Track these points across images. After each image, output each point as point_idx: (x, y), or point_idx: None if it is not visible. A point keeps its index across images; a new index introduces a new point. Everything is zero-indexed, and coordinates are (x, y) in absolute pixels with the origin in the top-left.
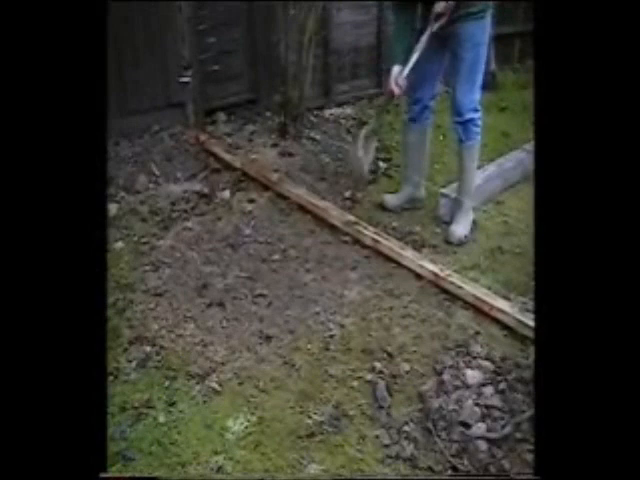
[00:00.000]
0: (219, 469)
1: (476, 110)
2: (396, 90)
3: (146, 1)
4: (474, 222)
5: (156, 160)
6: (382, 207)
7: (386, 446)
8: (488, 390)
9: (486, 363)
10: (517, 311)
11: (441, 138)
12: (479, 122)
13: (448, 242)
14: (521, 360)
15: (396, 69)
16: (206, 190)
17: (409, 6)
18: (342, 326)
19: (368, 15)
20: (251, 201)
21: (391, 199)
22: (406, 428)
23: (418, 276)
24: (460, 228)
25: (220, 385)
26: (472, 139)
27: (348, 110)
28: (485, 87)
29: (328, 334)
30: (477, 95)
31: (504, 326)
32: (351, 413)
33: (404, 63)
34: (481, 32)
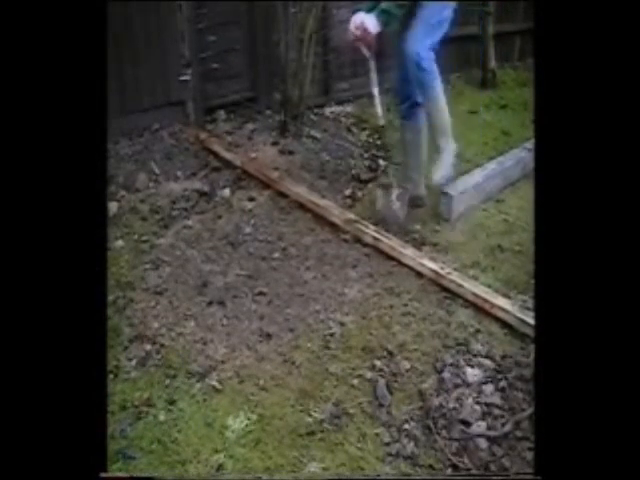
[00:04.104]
0: (219, 467)
1: (428, 60)
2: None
3: (146, 1)
4: (472, 220)
5: (156, 158)
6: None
7: (386, 444)
8: (488, 388)
9: (486, 361)
10: (517, 309)
11: None
12: (434, 73)
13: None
14: (521, 358)
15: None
16: (206, 188)
17: None
18: (342, 324)
19: None
20: (251, 199)
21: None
22: (406, 426)
23: (418, 274)
24: (439, 171)
25: (220, 383)
26: (428, 86)
27: (348, 108)
28: (485, 85)
29: (328, 332)
30: (429, 51)
31: (504, 324)
32: (351, 411)
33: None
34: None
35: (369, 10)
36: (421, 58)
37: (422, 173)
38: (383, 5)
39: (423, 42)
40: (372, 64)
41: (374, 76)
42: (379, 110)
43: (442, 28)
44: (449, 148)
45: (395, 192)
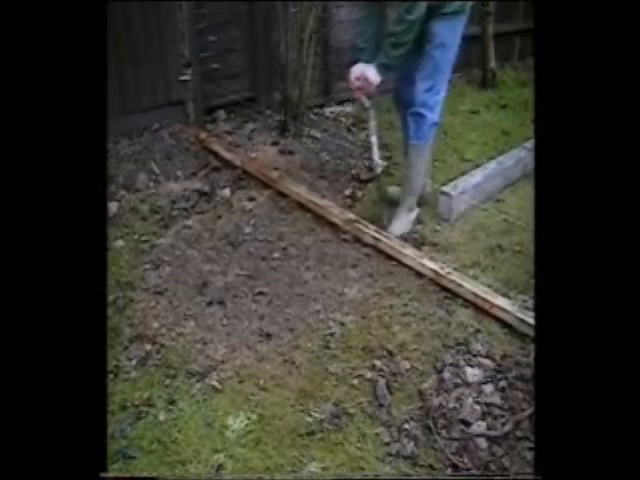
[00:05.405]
0: (219, 467)
1: (431, 110)
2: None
3: (146, 1)
4: (472, 220)
5: (156, 158)
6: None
7: (386, 444)
8: (488, 388)
9: (486, 361)
10: (517, 309)
11: (442, 136)
12: (433, 125)
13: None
14: (521, 358)
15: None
16: (206, 188)
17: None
18: (342, 324)
19: None
20: (251, 199)
21: (395, 192)
22: (406, 426)
23: (418, 274)
24: (397, 226)
25: (220, 383)
26: (420, 139)
27: (348, 108)
28: (485, 85)
29: (328, 332)
30: (436, 97)
31: (504, 324)
32: (351, 411)
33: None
34: (449, 33)
35: (367, 60)
36: (428, 108)
37: (427, 175)
38: (381, 58)
39: (432, 89)
40: (372, 113)
41: (373, 124)
42: (376, 158)
43: (451, 65)
44: (410, 201)
45: (402, 209)
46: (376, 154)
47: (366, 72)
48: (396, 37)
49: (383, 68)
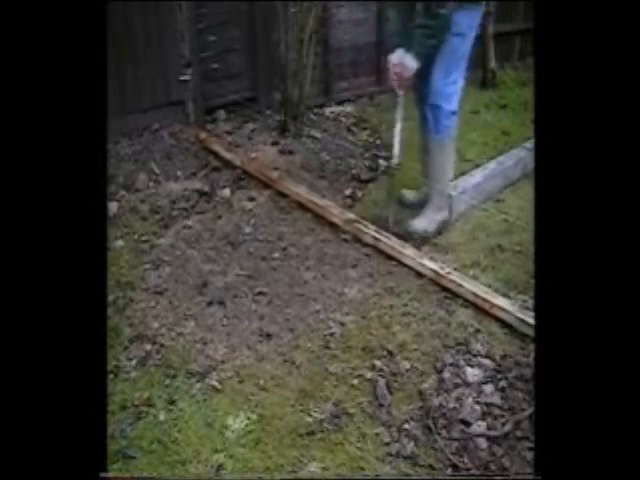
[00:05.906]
0: (219, 467)
1: (448, 99)
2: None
3: (146, 1)
4: (472, 220)
5: (156, 158)
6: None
7: (386, 444)
8: (488, 388)
9: (486, 361)
10: (517, 309)
11: None
12: (450, 115)
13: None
14: (521, 358)
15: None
16: (206, 188)
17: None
18: (342, 324)
19: (367, 13)
20: (251, 199)
21: (409, 196)
22: (406, 426)
23: (418, 274)
24: (422, 222)
25: (220, 383)
26: (440, 132)
27: (348, 108)
28: (485, 85)
29: (328, 332)
30: (454, 86)
31: (504, 324)
32: (351, 411)
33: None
34: (468, 23)
35: (407, 47)
36: (444, 98)
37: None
38: (417, 47)
39: (448, 77)
40: (401, 100)
41: (401, 112)
42: (397, 148)
43: (468, 54)
44: (439, 199)
45: (430, 208)
46: (397, 145)
47: (404, 59)
48: (429, 29)
49: (418, 56)
